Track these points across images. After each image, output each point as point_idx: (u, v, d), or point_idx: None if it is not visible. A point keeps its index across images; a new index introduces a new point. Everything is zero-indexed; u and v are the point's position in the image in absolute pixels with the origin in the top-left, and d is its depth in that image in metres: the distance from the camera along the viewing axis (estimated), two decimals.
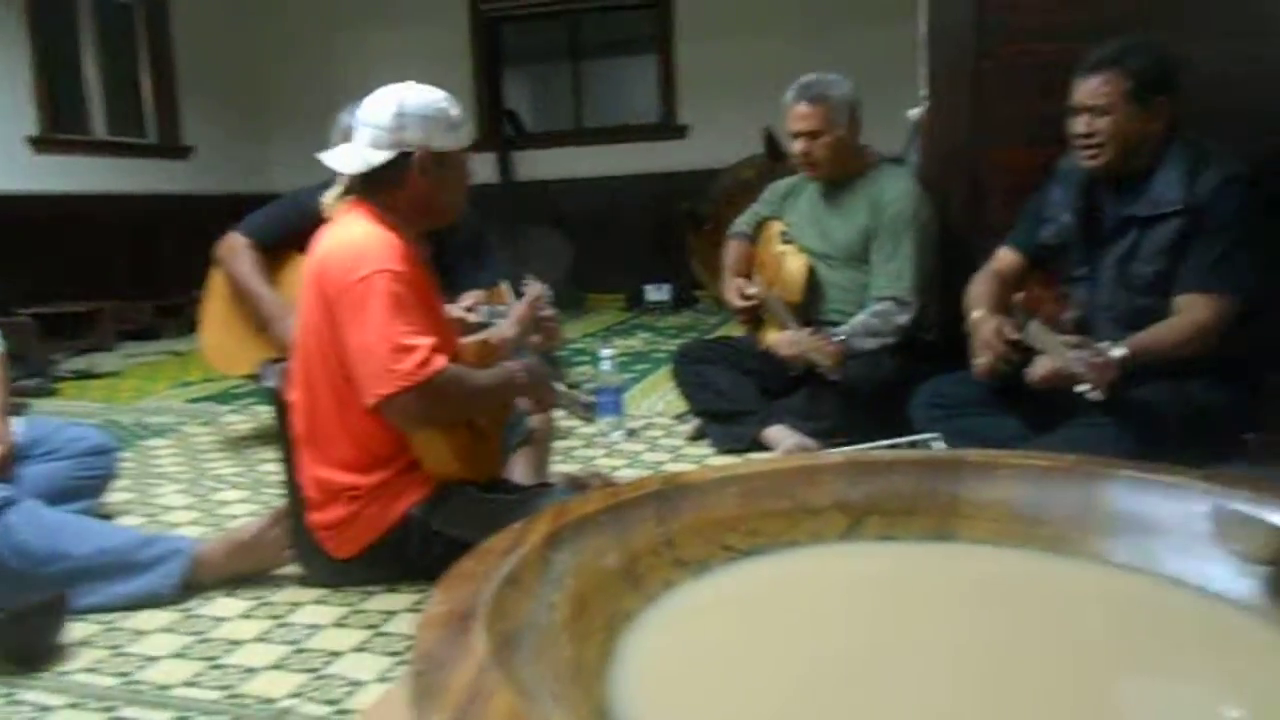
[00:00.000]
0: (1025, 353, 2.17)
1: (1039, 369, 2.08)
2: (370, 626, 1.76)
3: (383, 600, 1.87)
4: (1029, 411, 2.25)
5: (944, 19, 2.87)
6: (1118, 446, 1.98)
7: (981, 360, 2.23)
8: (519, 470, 2.16)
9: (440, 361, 1.71)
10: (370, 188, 1.83)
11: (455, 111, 1.85)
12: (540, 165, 7.27)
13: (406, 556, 1.82)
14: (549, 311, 2.19)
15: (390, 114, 1.78)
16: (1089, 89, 2.13)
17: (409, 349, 1.69)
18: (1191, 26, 2.62)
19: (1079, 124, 2.16)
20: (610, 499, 1.06)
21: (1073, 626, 0.96)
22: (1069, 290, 2.33)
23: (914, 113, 3.07)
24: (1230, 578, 0.92)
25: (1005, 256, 2.44)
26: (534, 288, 2.16)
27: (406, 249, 1.81)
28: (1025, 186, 2.56)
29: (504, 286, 2.78)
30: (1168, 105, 2.12)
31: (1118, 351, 1.93)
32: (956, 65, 2.85)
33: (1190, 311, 2.05)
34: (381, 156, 1.79)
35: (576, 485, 1.95)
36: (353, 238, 1.79)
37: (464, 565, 0.87)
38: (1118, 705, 0.85)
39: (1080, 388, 1.91)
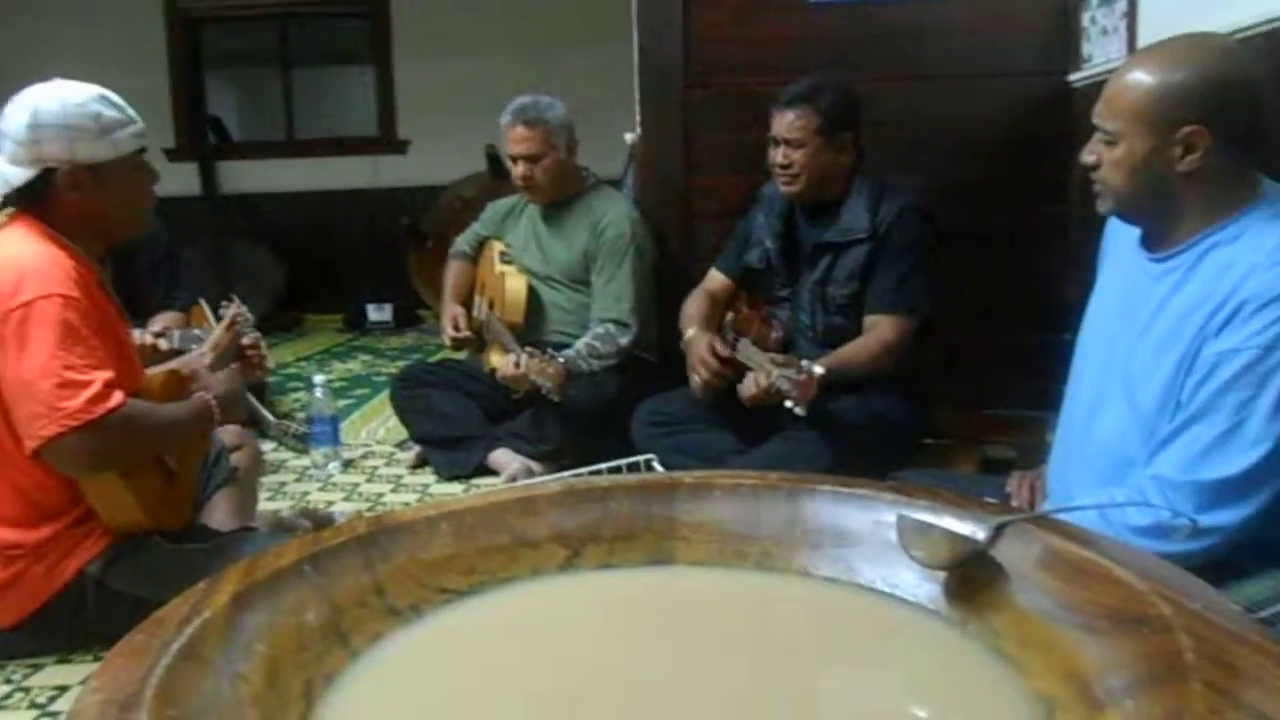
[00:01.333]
0: (738, 369, 2.28)
1: (748, 387, 2.18)
2: (36, 707, 1.53)
3: (53, 674, 1.63)
4: (742, 426, 2.37)
5: (653, 49, 2.97)
6: (820, 457, 2.12)
7: (697, 377, 2.32)
8: (220, 514, 1.97)
9: (116, 397, 1.52)
10: (25, 204, 1.60)
11: (110, 114, 1.61)
12: (248, 177, 6.80)
13: (81, 623, 1.61)
14: (251, 336, 2.02)
15: (23, 125, 1.55)
16: (785, 123, 2.28)
17: (78, 384, 1.49)
18: (871, 70, 2.88)
19: (777, 155, 2.31)
20: (310, 546, 0.98)
21: (780, 639, 0.99)
22: (774, 311, 2.47)
23: (630, 137, 3.15)
24: (915, 583, 0.98)
25: (715, 278, 2.56)
26: (232, 309, 1.98)
27: (80, 269, 1.60)
28: (733, 212, 2.70)
29: (203, 308, 2.56)
30: (853, 140, 2.31)
31: (818, 368, 2.06)
32: (666, 94, 2.96)
33: (878, 330, 2.24)
34: (20, 176, 1.56)
35: (284, 527, 1.82)
36: (12, 257, 1.56)
37: (132, 639, 0.77)
38: (820, 708, 0.89)
39: (787, 403, 2.02)
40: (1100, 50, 2.75)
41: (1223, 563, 1.26)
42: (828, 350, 2.21)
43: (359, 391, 4.19)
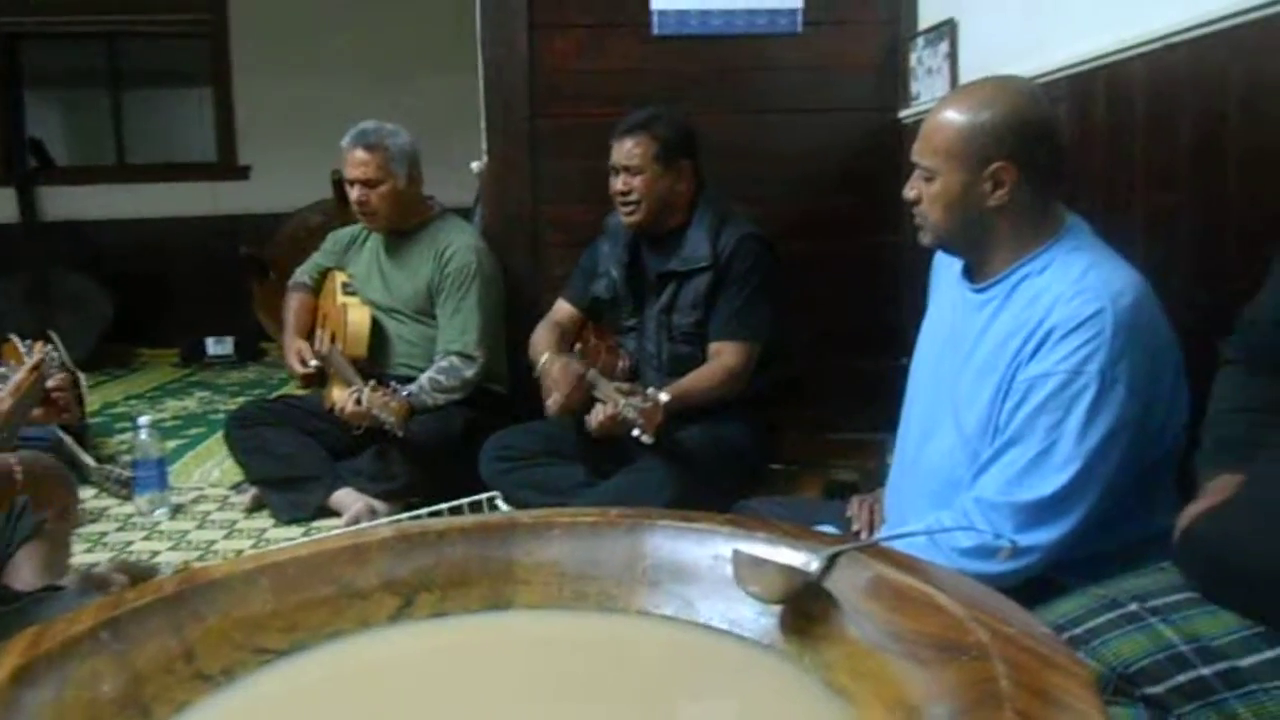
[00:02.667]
0: (590, 396, 2.26)
1: (596, 416, 2.17)
2: None
3: None
4: (592, 459, 2.35)
5: (498, 78, 2.95)
6: (668, 487, 2.12)
7: (554, 399, 2.27)
8: (25, 571, 1.81)
9: None
10: None
11: None
12: (74, 203, 6.38)
13: None
14: (58, 378, 1.86)
15: None
16: (623, 150, 2.31)
17: None
18: (714, 103, 2.95)
19: (617, 183, 2.33)
20: (109, 610, 0.90)
21: (618, 683, 0.97)
22: (621, 341, 2.47)
23: (477, 165, 3.11)
24: (753, 618, 0.98)
25: (562, 309, 2.55)
26: (37, 351, 1.82)
27: None
28: (581, 241, 2.70)
29: (15, 344, 2.36)
30: (691, 168, 2.35)
31: (663, 395, 2.07)
32: (512, 123, 2.95)
33: (720, 358, 2.27)
34: None
35: (95, 584, 1.68)
36: None
37: None
38: None
39: (634, 432, 2.02)
40: (926, 89, 2.89)
41: (1042, 580, 1.32)
42: (675, 379, 2.23)
43: (193, 431, 3.97)
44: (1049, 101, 1.50)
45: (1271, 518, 1.00)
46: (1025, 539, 1.31)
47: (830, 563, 0.94)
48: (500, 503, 2.00)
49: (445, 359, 2.71)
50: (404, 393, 2.51)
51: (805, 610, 0.93)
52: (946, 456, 1.50)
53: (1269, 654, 0.97)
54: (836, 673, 0.86)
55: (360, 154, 2.73)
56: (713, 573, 1.04)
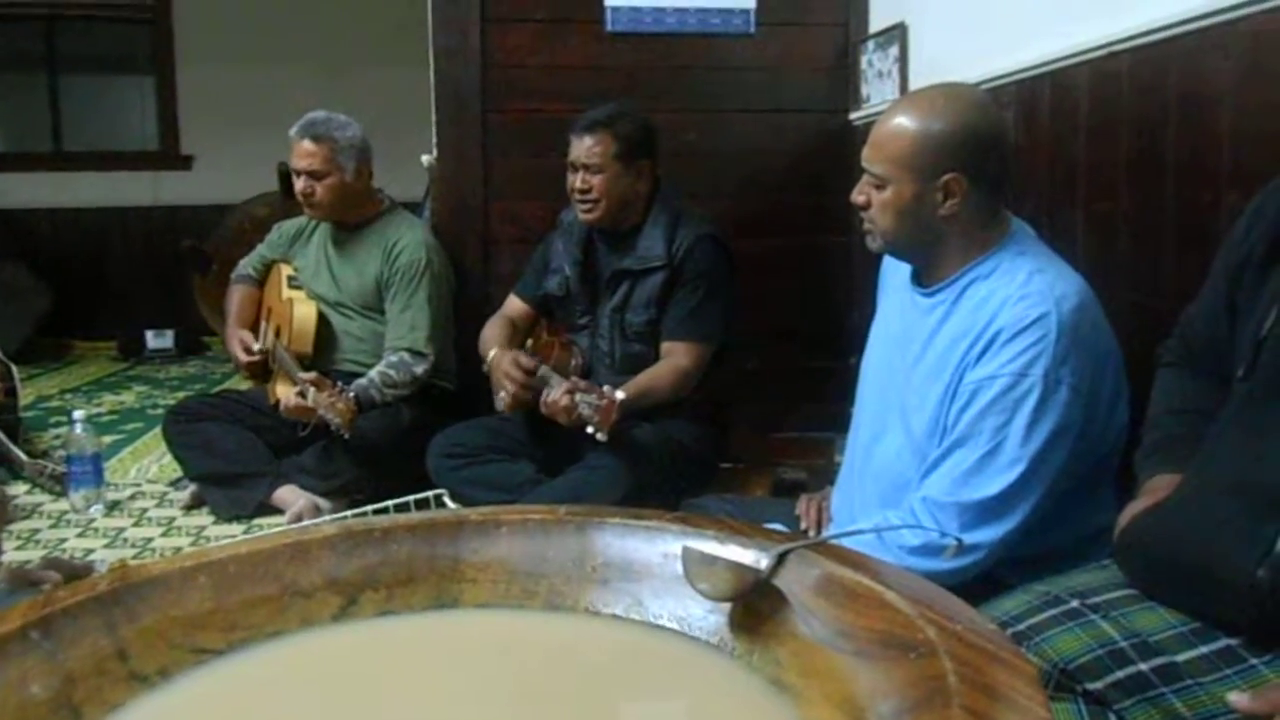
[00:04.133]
0: (542, 388, 2.23)
1: (550, 395, 2.10)
2: None
3: None
4: (541, 455, 2.33)
5: (449, 71, 2.92)
6: (619, 485, 2.11)
7: (504, 392, 2.25)
8: None
9: None
10: None
11: None
12: (9, 191, 6.19)
13: None
14: None
15: None
16: (583, 148, 2.28)
17: None
18: (668, 101, 2.95)
19: (575, 180, 2.30)
20: (39, 609, 0.87)
21: (566, 682, 0.96)
22: (574, 338, 2.46)
23: (428, 159, 3.08)
24: (702, 616, 0.98)
25: (514, 304, 2.52)
26: None
27: None
28: (532, 237, 2.68)
29: None
30: (650, 167, 2.34)
31: (619, 394, 2.06)
32: (464, 118, 2.92)
33: (674, 357, 2.26)
34: None
35: (27, 582, 1.62)
36: None
37: None
38: None
39: (588, 428, 2.00)
40: (877, 91, 2.92)
41: (987, 578, 1.34)
42: (627, 377, 2.21)
43: (131, 426, 3.87)
44: (997, 109, 1.52)
45: (1205, 516, 1.02)
46: (970, 537, 1.33)
47: (780, 560, 0.94)
48: (447, 500, 1.98)
49: (395, 355, 2.66)
50: (351, 389, 2.46)
51: (755, 608, 0.93)
52: (895, 457, 1.52)
53: (1204, 649, 0.99)
54: (786, 670, 0.86)
55: (307, 144, 2.69)
56: (662, 570, 1.03)
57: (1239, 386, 1.06)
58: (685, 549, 0.97)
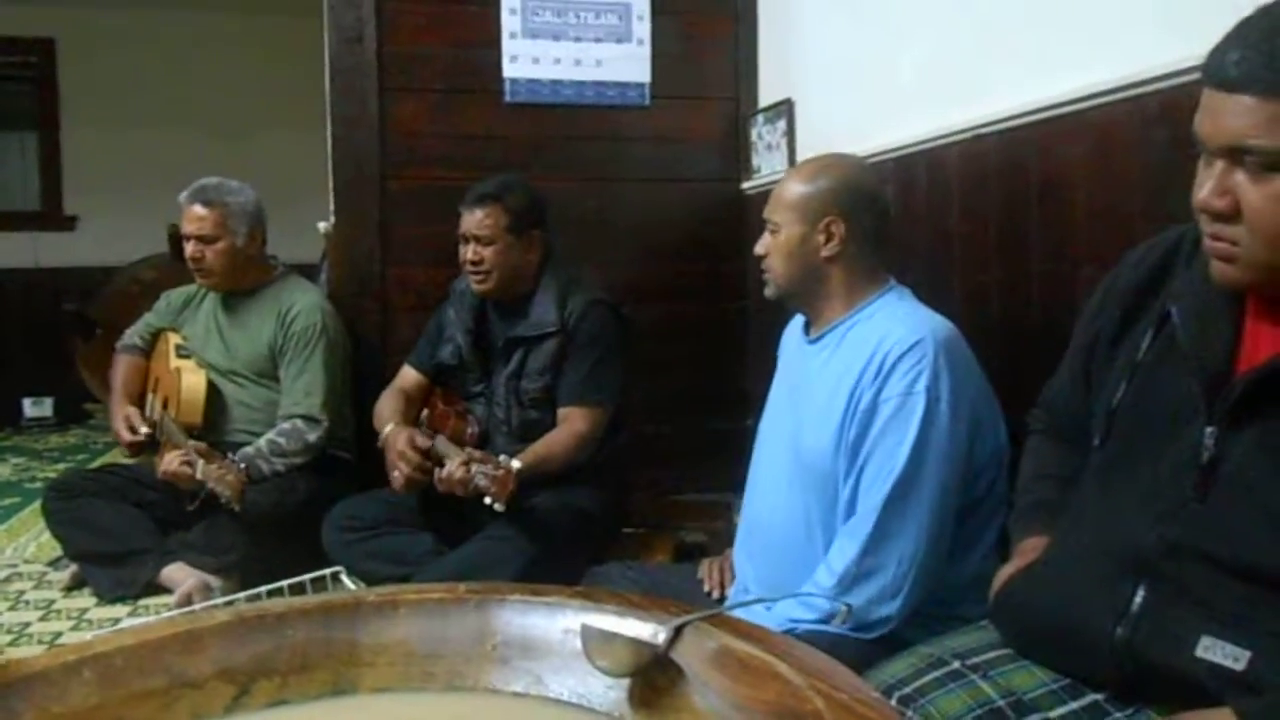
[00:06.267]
0: (438, 463, 2.22)
1: (450, 467, 2.09)
2: None
3: None
4: (441, 527, 2.31)
5: (347, 138, 2.93)
6: (521, 555, 2.11)
7: (398, 473, 2.23)
8: None
9: None
10: None
11: None
12: None
13: None
14: None
15: None
16: (474, 221, 2.32)
17: None
18: (565, 170, 3.01)
19: (467, 252, 2.33)
20: None
21: None
22: (470, 406, 2.46)
23: (324, 225, 3.06)
24: (602, 691, 0.99)
25: (408, 374, 2.52)
26: None
27: None
28: (430, 305, 2.68)
29: None
30: (541, 237, 2.38)
31: (515, 464, 2.06)
32: (362, 184, 2.92)
33: (570, 423, 2.28)
34: None
35: None
36: None
37: None
38: None
39: (486, 499, 2.00)
40: (767, 162, 3.04)
41: (882, 639, 1.39)
42: (525, 445, 2.22)
43: (7, 501, 3.69)
44: (876, 177, 1.73)
45: (1068, 578, 1.09)
46: (869, 564, 1.43)
47: (676, 634, 0.97)
48: (344, 577, 1.94)
49: (288, 422, 2.61)
50: (240, 462, 2.39)
51: (653, 682, 0.95)
52: (789, 515, 1.58)
53: (1074, 705, 1.05)
54: None
55: (197, 209, 2.65)
56: (563, 647, 1.04)
57: (1095, 454, 1.14)
58: (584, 626, 0.99)
